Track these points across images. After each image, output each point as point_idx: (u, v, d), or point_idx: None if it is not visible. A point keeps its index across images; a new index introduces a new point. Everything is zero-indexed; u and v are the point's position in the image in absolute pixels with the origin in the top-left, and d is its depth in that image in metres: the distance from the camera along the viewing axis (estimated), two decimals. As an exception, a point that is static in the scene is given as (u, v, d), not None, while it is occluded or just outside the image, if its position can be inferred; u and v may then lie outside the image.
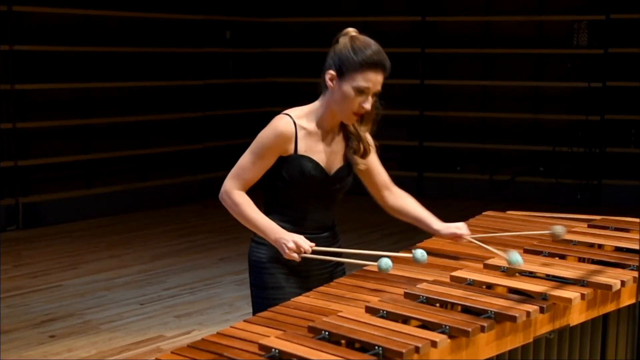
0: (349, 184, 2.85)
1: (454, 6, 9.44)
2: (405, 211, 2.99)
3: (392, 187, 3.00)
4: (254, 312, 2.76)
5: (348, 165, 2.82)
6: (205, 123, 9.38)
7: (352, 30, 2.74)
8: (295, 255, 2.60)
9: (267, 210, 2.78)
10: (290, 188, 2.73)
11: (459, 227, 2.89)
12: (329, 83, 2.70)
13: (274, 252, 2.71)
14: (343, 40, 2.70)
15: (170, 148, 9.06)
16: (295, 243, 2.60)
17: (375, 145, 2.92)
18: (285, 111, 2.75)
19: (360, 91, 2.65)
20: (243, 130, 9.55)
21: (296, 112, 2.76)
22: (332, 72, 2.68)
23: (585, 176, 8.85)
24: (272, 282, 2.76)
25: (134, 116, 8.71)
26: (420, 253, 2.58)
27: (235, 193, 2.72)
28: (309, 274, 2.79)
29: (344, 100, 2.67)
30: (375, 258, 2.58)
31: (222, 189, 2.75)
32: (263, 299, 2.74)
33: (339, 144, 2.81)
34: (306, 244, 2.61)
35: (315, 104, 2.77)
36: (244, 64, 9.84)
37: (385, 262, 2.51)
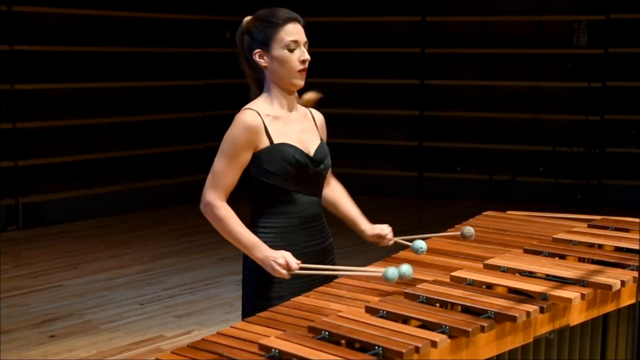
0: (329, 164, 2.81)
1: (454, 6, 9.44)
2: (337, 206, 2.93)
3: (330, 178, 2.94)
4: (248, 314, 2.74)
5: (323, 144, 2.79)
6: (205, 123, 9.38)
7: (256, 13, 2.77)
8: (284, 272, 2.53)
9: (257, 212, 2.71)
10: (277, 180, 2.65)
11: (383, 229, 2.86)
12: (261, 61, 2.68)
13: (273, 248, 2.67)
14: (247, 21, 2.74)
15: (170, 148, 9.06)
16: (285, 260, 2.54)
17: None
18: (245, 107, 2.72)
19: (292, 47, 2.65)
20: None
21: (255, 104, 2.72)
22: (258, 50, 2.68)
23: (585, 176, 8.85)
24: (266, 292, 2.69)
25: (134, 116, 8.71)
26: (391, 273, 2.44)
27: (218, 205, 2.65)
28: (303, 284, 2.69)
29: (284, 63, 2.66)
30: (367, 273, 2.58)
31: (203, 201, 2.69)
32: (255, 309, 2.70)
33: (307, 123, 2.79)
34: (294, 262, 2.54)
35: (265, 91, 2.74)
36: (244, 64, 9.83)
37: (392, 272, 2.45)
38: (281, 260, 2.54)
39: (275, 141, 2.66)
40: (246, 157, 2.65)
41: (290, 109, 2.75)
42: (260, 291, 2.73)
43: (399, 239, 2.87)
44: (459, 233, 2.96)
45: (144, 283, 5.88)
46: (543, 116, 9.17)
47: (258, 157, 2.65)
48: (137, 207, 8.48)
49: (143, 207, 8.52)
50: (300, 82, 2.71)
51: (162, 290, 5.71)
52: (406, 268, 2.45)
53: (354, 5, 9.82)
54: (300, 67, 2.67)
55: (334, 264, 2.86)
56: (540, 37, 9.14)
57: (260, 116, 2.66)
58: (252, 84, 2.80)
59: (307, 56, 2.68)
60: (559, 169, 8.95)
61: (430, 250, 2.94)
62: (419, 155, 9.52)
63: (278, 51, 2.65)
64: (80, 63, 8.23)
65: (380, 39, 9.67)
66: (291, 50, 2.65)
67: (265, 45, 2.67)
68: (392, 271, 2.43)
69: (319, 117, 2.86)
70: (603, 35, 8.69)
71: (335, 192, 2.95)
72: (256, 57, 2.69)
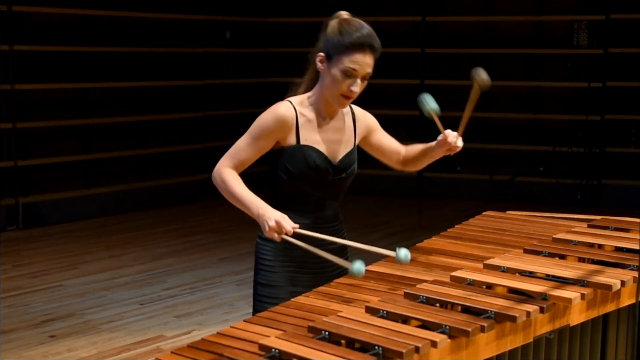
0: (354, 172, 2.82)
1: (454, 6, 9.45)
2: (411, 155, 2.99)
3: (401, 148, 3.00)
4: (255, 310, 2.75)
5: (353, 152, 2.79)
6: (205, 123, 9.38)
7: (344, 13, 2.73)
8: (275, 235, 2.52)
9: (273, 204, 2.71)
10: (294, 180, 2.68)
11: (446, 134, 2.94)
12: (319, 65, 2.68)
13: (281, 250, 2.69)
14: (332, 24, 2.68)
15: (170, 148, 9.06)
16: (277, 222, 2.52)
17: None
18: (288, 97, 2.74)
19: (348, 74, 2.61)
20: (243, 131, 9.53)
21: (296, 99, 2.73)
22: (321, 54, 2.67)
23: (585, 176, 8.85)
24: (274, 281, 2.74)
25: (134, 116, 8.71)
26: (403, 254, 2.51)
27: (225, 170, 2.67)
28: (317, 272, 2.74)
29: (333, 83, 2.64)
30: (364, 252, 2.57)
31: (215, 168, 2.70)
32: (266, 297, 2.72)
33: (342, 131, 2.77)
34: (289, 225, 2.52)
35: (313, 91, 2.74)
36: (244, 64, 9.84)
37: (405, 253, 2.48)
38: (272, 222, 2.53)
39: (302, 142, 2.68)
40: (268, 144, 2.67)
41: (329, 117, 2.75)
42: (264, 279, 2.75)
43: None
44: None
45: (144, 283, 5.88)
46: (543, 116, 9.17)
47: (282, 152, 2.69)
48: (137, 207, 8.48)
49: (143, 207, 8.53)
50: (339, 106, 2.72)
51: (162, 290, 5.71)
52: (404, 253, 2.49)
53: (353, 6, 9.78)
54: (345, 93, 2.65)
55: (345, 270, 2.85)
56: (540, 37, 9.14)
57: (296, 112, 2.68)
58: (307, 76, 2.77)
59: (356, 89, 2.64)
60: (559, 169, 8.95)
61: (430, 250, 2.94)
62: (419, 155, 9.50)
63: (335, 69, 2.63)
64: (80, 63, 8.23)
65: (380, 39, 9.65)
66: (346, 76, 2.62)
67: (329, 57, 2.65)
68: (404, 253, 2.48)
69: (360, 114, 2.86)
70: (603, 35, 8.69)
71: (407, 150, 3.00)
72: (317, 60, 2.69)
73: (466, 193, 9.17)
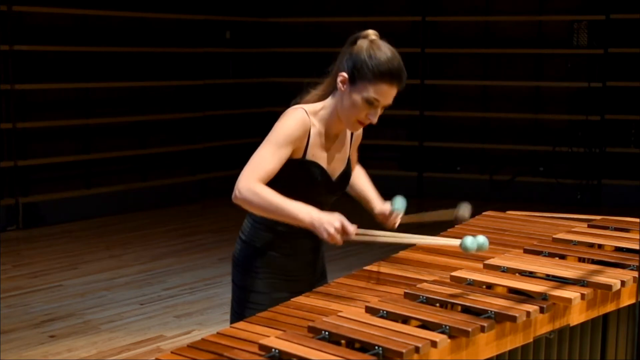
0: (345, 187, 2.77)
1: (454, 6, 9.44)
2: (353, 185, 2.87)
3: (356, 168, 2.95)
4: (236, 313, 2.73)
5: (348, 167, 2.73)
6: (205, 123, 9.38)
7: (372, 33, 2.60)
8: (339, 237, 2.35)
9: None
10: (288, 192, 2.49)
11: (390, 219, 2.82)
12: (340, 86, 2.55)
13: (261, 255, 2.65)
14: (361, 44, 2.55)
15: (170, 148, 9.06)
16: (340, 223, 2.35)
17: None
18: (299, 105, 2.61)
19: (370, 103, 2.50)
20: (243, 130, 9.56)
21: (309, 107, 2.60)
22: (344, 74, 2.53)
23: (585, 176, 8.85)
24: (256, 286, 2.68)
25: (134, 116, 8.71)
26: (470, 242, 2.47)
27: (255, 184, 2.44)
28: (296, 279, 2.71)
29: (352, 108, 2.53)
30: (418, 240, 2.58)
31: (237, 186, 2.46)
32: (245, 301, 2.68)
33: (342, 147, 2.70)
34: (351, 227, 2.36)
35: (326, 102, 2.62)
36: (244, 64, 9.84)
37: (471, 241, 2.47)
38: (337, 223, 2.36)
39: (307, 157, 2.57)
40: (289, 152, 2.52)
41: (336, 134, 2.66)
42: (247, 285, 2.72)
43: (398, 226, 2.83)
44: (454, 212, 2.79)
45: (144, 283, 5.88)
46: (543, 116, 9.17)
47: (288, 162, 2.54)
48: (137, 207, 8.48)
49: (143, 207, 8.52)
50: (352, 130, 2.67)
51: (162, 290, 5.71)
52: (483, 240, 2.49)
53: (354, 5, 9.82)
54: (362, 120, 2.56)
55: (324, 273, 2.84)
56: (540, 37, 9.14)
57: (310, 121, 2.57)
58: (325, 85, 2.65)
59: (373, 119, 2.54)
60: (559, 169, 8.95)
61: (430, 250, 2.94)
62: (419, 155, 9.52)
63: (357, 95, 2.51)
64: (80, 63, 8.23)
65: (380, 39, 9.66)
66: (368, 104, 2.51)
67: (352, 79, 2.51)
68: (471, 241, 2.47)
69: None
70: (603, 35, 8.69)
71: (355, 177, 2.91)
72: (339, 79, 2.55)
73: (466, 193, 9.13)
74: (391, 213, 2.81)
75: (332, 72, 2.62)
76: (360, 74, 2.50)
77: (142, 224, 7.94)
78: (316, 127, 2.59)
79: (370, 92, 2.49)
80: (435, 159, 9.57)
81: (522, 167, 9.18)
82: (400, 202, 2.77)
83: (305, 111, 2.57)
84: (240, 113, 9.62)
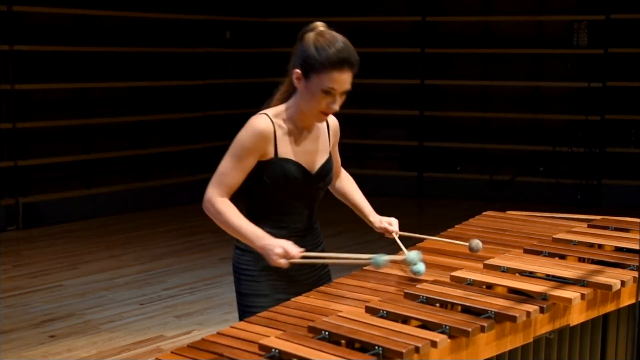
0: (330, 180, 2.79)
1: (454, 6, 9.45)
2: (347, 197, 2.98)
3: (340, 171, 3.00)
4: (240, 316, 2.74)
5: (329, 161, 2.76)
6: (205, 123, 9.38)
7: (320, 25, 2.63)
8: (282, 261, 2.49)
9: (248, 217, 2.67)
10: (271, 192, 2.64)
11: (391, 223, 2.88)
12: (296, 83, 2.61)
13: (260, 259, 2.65)
14: (308, 37, 2.59)
15: (170, 148, 9.06)
16: (282, 249, 2.49)
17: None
18: (261, 111, 2.68)
19: (327, 92, 2.55)
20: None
21: (272, 111, 2.68)
22: (298, 71, 2.59)
23: (585, 176, 8.85)
24: (259, 290, 2.70)
25: (134, 116, 8.71)
26: (382, 260, 2.56)
27: (217, 200, 2.61)
28: (296, 279, 2.72)
29: (311, 101, 2.58)
30: (362, 261, 2.60)
31: (205, 197, 2.64)
32: (249, 307, 2.69)
33: (318, 140, 2.74)
34: (294, 250, 2.50)
35: (289, 103, 2.69)
36: (244, 64, 9.84)
37: (383, 259, 2.52)
38: (278, 249, 2.49)
39: (280, 155, 2.63)
40: (252, 161, 2.62)
41: (306, 129, 2.71)
42: (245, 288, 2.74)
43: (397, 236, 2.87)
44: (467, 245, 2.87)
45: (144, 283, 5.89)
46: (543, 116, 9.17)
47: (260, 166, 2.63)
48: (137, 207, 8.48)
49: (143, 207, 8.53)
50: (318, 122, 2.70)
51: (162, 290, 5.71)
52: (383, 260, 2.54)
53: (354, 5, 9.82)
54: (324, 110, 2.60)
55: (326, 273, 2.86)
56: (540, 37, 9.14)
57: (274, 125, 2.64)
58: (285, 86, 2.72)
59: (335, 107, 2.59)
60: (559, 169, 8.96)
61: (430, 250, 2.94)
62: (419, 155, 9.52)
63: (312, 87, 2.56)
64: (80, 63, 8.23)
65: (380, 39, 9.68)
66: (325, 94, 2.56)
67: (306, 73, 2.57)
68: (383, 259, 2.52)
69: (333, 123, 2.83)
70: (603, 35, 8.69)
71: (344, 183, 2.99)
72: (294, 76, 2.62)
73: (466, 193, 9.17)
74: (390, 230, 2.87)
75: (288, 71, 2.67)
76: (311, 67, 2.55)
77: (142, 224, 7.94)
78: (283, 128, 2.65)
79: (324, 82, 2.54)
80: (435, 159, 9.58)
81: (522, 167, 9.18)
82: (415, 258, 2.67)
83: (268, 115, 2.65)
84: (240, 113, 9.56)
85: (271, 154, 2.63)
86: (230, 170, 2.62)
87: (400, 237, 2.86)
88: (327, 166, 2.75)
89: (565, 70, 8.97)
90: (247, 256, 2.73)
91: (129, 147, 8.67)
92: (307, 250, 2.66)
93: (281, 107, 2.69)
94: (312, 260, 2.62)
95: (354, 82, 2.61)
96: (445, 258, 2.85)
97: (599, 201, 8.80)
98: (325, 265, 2.87)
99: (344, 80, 2.55)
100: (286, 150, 2.64)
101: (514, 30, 9.22)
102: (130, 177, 8.70)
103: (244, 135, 2.63)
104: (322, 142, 2.76)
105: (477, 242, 2.83)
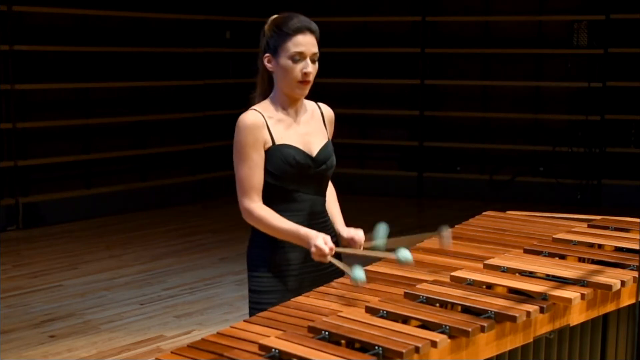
0: (334, 163, 2.82)
1: (454, 6, 9.45)
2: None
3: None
4: (252, 312, 2.76)
5: (328, 144, 2.81)
6: (205, 123, 9.38)
7: (274, 15, 2.79)
8: (322, 259, 2.57)
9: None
10: (277, 180, 2.68)
11: (358, 234, 2.79)
12: (268, 66, 2.72)
13: (266, 255, 2.70)
14: (266, 26, 2.76)
15: (170, 148, 9.06)
16: (316, 247, 2.56)
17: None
18: (250, 108, 2.76)
19: (296, 58, 2.67)
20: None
21: (258, 106, 2.76)
22: (267, 55, 2.72)
23: (585, 176, 8.85)
24: (266, 286, 2.72)
25: (134, 116, 8.71)
26: (403, 255, 2.56)
27: (253, 208, 2.67)
28: (302, 274, 2.73)
29: (286, 73, 2.68)
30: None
31: (242, 210, 2.70)
32: (257, 303, 2.71)
33: (311, 123, 2.80)
34: (325, 247, 2.56)
35: (271, 95, 2.77)
36: (244, 64, 9.84)
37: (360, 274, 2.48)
38: (312, 249, 2.57)
39: (277, 142, 2.68)
40: (259, 155, 2.67)
41: (296, 112, 2.77)
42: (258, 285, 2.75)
43: (367, 247, 2.76)
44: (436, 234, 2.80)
45: (144, 283, 5.88)
46: (543, 116, 9.17)
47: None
48: (137, 207, 8.48)
49: (143, 207, 8.52)
50: (300, 93, 2.73)
51: (162, 290, 5.71)
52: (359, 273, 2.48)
53: (354, 5, 9.82)
54: (301, 78, 2.68)
55: (336, 273, 2.82)
56: (540, 37, 9.14)
57: (263, 116, 2.70)
58: (260, 84, 2.81)
59: (309, 69, 2.68)
60: (559, 169, 8.95)
61: (430, 250, 2.94)
62: (419, 155, 9.52)
63: (283, 60, 2.68)
64: (80, 63, 8.23)
65: (380, 39, 9.68)
66: (295, 61, 2.67)
67: (274, 52, 2.71)
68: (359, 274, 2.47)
69: (327, 113, 2.88)
70: (603, 35, 8.69)
71: (328, 191, 2.92)
72: (265, 61, 2.74)
73: (466, 193, 9.17)
74: (355, 241, 2.80)
75: (259, 67, 2.79)
76: (276, 42, 2.70)
77: (142, 224, 7.94)
78: (273, 118, 2.72)
79: (292, 48, 2.67)
80: (435, 159, 9.58)
81: (522, 167, 9.18)
82: (382, 231, 2.72)
83: (255, 109, 2.73)
84: (240, 113, 9.60)
85: (269, 143, 2.68)
86: (246, 174, 2.67)
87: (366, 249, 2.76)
88: (327, 150, 2.79)
89: (565, 70, 8.97)
90: (254, 252, 2.76)
91: (129, 147, 8.67)
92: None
93: (265, 101, 2.77)
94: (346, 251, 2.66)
95: (352, 81, 2.63)
96: (446, 258, 2.85)
97: (599, 201, 8.80)
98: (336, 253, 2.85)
99: (308, 42, 2.69)
100: (282, 135, 2.70)
101: (514, 30, 9.22)
102: (130, 177, 8.69)
103: (238, 135, 2.69)
104: (317, 127, 2.81)
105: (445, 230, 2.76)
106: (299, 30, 2.68)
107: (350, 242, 2.81)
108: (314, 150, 2.75)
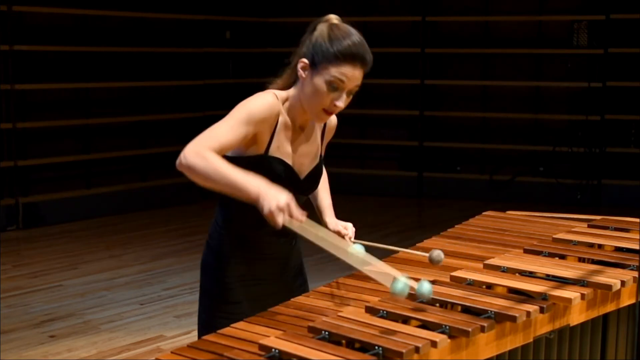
0: (316, 187, 2.61)
1: (454, 6, 9.45)
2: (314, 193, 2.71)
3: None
4: (205, 322, 2.67)
5: (318, 166, 2.57)
6: (205, 123, 9.31)
7: (333, 18, 2.47)
8: (281, 217, 2.12)
9: (221, 212, 2.55)
10: None
11: (346, 227, 2.65)
12: (301, 73, 2.40)
13: (232, 260, 2.58)
14: (321, 28, 2.42)
15: (170, 148, 9.04)
16: (287, 202, 2.13)
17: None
18: (270, 90, 2.45)
19: (334, 86, 2.35)
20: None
21: (279, 93, 2.45)
22: (305, 60, 2.39)
23: (585, 176, 8.85)
24: (233, 296, 2.63)
25: (134, 116, 8.71)
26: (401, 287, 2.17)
27: (203, 150, 2.26)
28: (269, 281, 2.61)
29: (315, 94, 2.37)
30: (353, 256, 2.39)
31: (183, 151, 2.29)
32: (220, 312, 2.60)
33: (312, 143, 2.54)
34: (298, 210, 2.15)
35: (289, 92, 2.46)
36: (244, 64, 9.84)
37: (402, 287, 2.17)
38: (283, 201, 2.13)
39: (271, 152, 2.42)
40: (250, 133, 2.35)
41: (301, 127, 2.50)
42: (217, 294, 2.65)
43: (357, 243, 2.62)
44: (427, 255, 2.64)
45: (144, 283, 5.88)
46: (543, 116, 9.17)
47: (246, 159, 2.40)
48: (137, 207, 8.48)
49: (143, 207, 8.52)
50: (318, 120, 2.47)
51: (162, 290, 5.71)
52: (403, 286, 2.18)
53: (354, 5, 9.82)
54: (328, 108, 2.39)
55: (304, 282, 2.73)
56: (540, 37, 9.14)
57: (280, 108, 2.42)
58: (284, 79, 2.50)
59: (341, 104, 2.38)
60: (559, 169, 8.95)
61: (429, 250, 2.93)
62: (419, 155, 9.52)
63: (319, 79, 2.36)
64: (80, 63, 8.23)
65: (380, 38, 9.67)
66: (332, 88, 2.36)
67: (314, 64, 2.37)
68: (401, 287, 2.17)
69: (330, 122, 2.63)
70: (603, 35, 8.69)
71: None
72: (300, 65, 2.41)
73: (466, 193, 9.17)
74: (343, 235, 2.63)
75: (292, 62, 2.47)
76: (321, 57, 2.35)
77: (142, 224, 7.94)
78: (284, 116, 2.43)
79: (333, 73, 2.34)
80: (435, 159, 9.58)
81: (522, 167, 9.18)
82: (359, 247, 2.56)
83: (276, 96, 2.43)
84: (240, 113, 9.61)
85: (263, 147, 2.40)
86: (226, 130, 2.33)
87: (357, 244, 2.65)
88: (316, 172, 2.56)
89: (565, 70, 8.97)
90: (214, 255, 2.68)
91: (129, 147, 8.67)
92: (283, 257, 2.58)
93: (285, 93, 2.46)
94: (308, 236, 2.23)
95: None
96: (445, 258, 2.84)
97: (599, 201, 8.80)
98: (299, 265, 2.72)
99: (354, 76, 2.37)
100: (278, 145, 2.42)
101: (514, 30, 9.22)
102: (130, 177, 8.69)
103: (254, 102, 2.38)
104: (316, 146, 2.57)
105: (438, 253, 2.60)
106: (351, 59, 2.36)
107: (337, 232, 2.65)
108: (303, 173, 2.51)
